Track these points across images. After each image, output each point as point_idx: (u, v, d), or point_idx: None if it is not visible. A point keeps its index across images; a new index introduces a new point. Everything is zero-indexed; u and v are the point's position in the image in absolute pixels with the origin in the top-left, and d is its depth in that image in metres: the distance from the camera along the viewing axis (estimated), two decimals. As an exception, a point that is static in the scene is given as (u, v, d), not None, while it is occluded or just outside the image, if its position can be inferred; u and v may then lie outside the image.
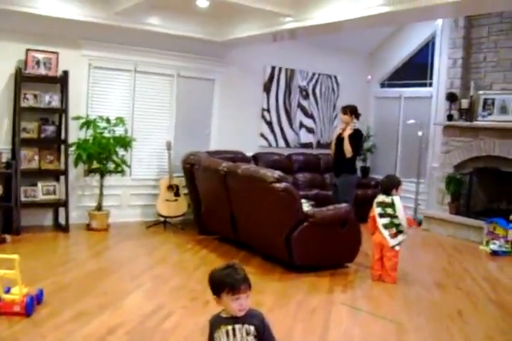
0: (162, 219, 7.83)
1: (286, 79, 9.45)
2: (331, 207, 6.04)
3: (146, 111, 8.12)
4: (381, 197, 5.91)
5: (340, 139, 7.33)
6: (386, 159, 10.23)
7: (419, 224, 9.13)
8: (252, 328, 2.74)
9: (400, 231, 5.79)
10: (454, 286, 5.81)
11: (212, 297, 2.75)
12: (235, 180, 6.27)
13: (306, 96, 9.75)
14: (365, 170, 10.06)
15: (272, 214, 5.81)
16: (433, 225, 8.84)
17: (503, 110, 8.16)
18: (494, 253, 7.47)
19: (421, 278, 6.06)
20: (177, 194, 7.81)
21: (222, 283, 2.71)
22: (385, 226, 5.79)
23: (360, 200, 8.38)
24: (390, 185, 5.93)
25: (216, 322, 2.76)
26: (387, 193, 5.88)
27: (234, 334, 2.71)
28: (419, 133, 9.25)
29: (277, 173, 5.76)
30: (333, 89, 10.11)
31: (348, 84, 10.23)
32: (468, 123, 8.52)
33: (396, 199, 5.83)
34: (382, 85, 10.60)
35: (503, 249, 7.50)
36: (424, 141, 9.41)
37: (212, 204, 7.08)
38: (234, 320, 2.71)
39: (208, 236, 7.37)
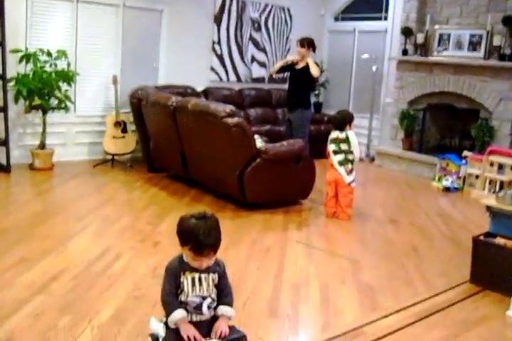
0: (109, 157, 7.51)
1: (238, 11, 9.04)
2: (284, 142, 5.86)
3: (90, 44, 7.62)
4: (335, 133, 5.74)
5: (295, 71, 7.13)
6: (339, 94, 10.04)
7: (372, 160, 9.08)
8: (216, 276, 2.60)
9: (352, 165, 5.66)
10: (408, 222, 5.78)
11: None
12: (185, 116, 6.00)
13: (258, 29, 9.38)
14: (318, 106, 9.87)
15: (223, 150, 5.59)
16: (386, 161, 8.79)
17: (459, 45, 8.01)
18: (446, 189, 7.48)
19: (375, 214, 6.01)
20: (124, 130, 7.48)
21: (186, 239, 2.48)
22: (340, 163, 5.66)
23: (313, 136, 8.23)
24: (343, 121, 5.75)
25: (180, 268, 2.55)
26: (341, 129, 5.70)
27: (200, 283, 2.55)
28: (373, 68, 9.06)
29: (229, 108, 5.51)
30: (286, 22, 9.75)
31: (301, 16, 9.87)
32: (423, 59, 8.36)
33: (351, 134, 5.68)
34: (336, 19, 10.28)
35: (455, 185, 7.51)
36: (378, 76, 9.23)
37: (161, 141, 6.81)
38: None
39: (157, 174, 7.13)
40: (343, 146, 5.65)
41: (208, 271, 2.55)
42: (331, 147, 5.70)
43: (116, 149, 7.43)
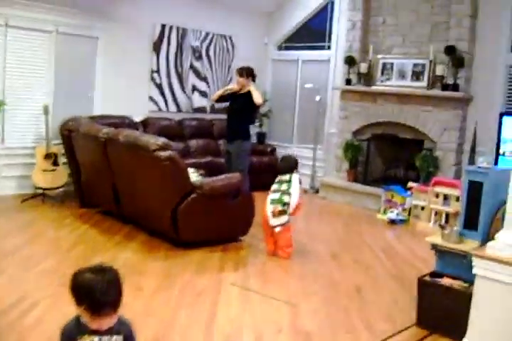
0: (40, 191, 7.06)
1: (178, 39, 8.78)
2: (221, 176, 5.55)
3: (20, 72, 7.20)
4: (279, 177, 5.56)
5: (234, 101, 6.94)
6: (283, 124, 9.83)
7: (317, 191, 8.85)
8: (120, 338, 2.22)
9: (284, 211, 5.36)
10: (351, 259, 5.51)
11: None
12: (116, 148, 5.65)
13: (199, 58, 9.13)
14: (262, 136, 9.63)
15: (156, 185, 5.25)
16: (330, 193, 8.57)
17: (402, 75, 7.91)
18: (392, 221, 7.28)
19: (317, 251, 5.72)
20: (55, 163, 7.05)
21: (81, 297, 2.12)
22: (272, 201, 5.39)
23: (255, 168, 8.01)
24: (288, 168, 5.56)
25: (77, 331, 2.17)
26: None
27: None
28: (317, 98, 8.89)
29: (161, 140, 5.19)
30: (228, 51, 9.54)
31: (243, 45, 9.68)
32: (366, 88, 8.23)
33: (294, 176, 5.47)
34: (280, 48, 10.13)
35: (401, 217, 7.32)
36: (322, 106, 9.07)
37: (92, 175, 6.42)
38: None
39: (89, 210, 6.70)
40: (283, 186, 5.42)
41: (110, 332, 2.18)
42: (273, 187, 5.50)
43: (47, 183, 6.98)
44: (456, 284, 3.82)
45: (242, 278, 4.70)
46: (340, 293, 4.51)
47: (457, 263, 3.85)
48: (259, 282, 4.65)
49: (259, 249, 5.60)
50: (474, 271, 3.30)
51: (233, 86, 7.06)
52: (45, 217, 6.37)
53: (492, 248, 3.29)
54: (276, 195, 5.38)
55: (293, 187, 5.38)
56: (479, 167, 3.84)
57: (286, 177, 5.45)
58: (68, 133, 6.61)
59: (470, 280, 3.75)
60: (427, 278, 3.92)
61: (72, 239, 5.52)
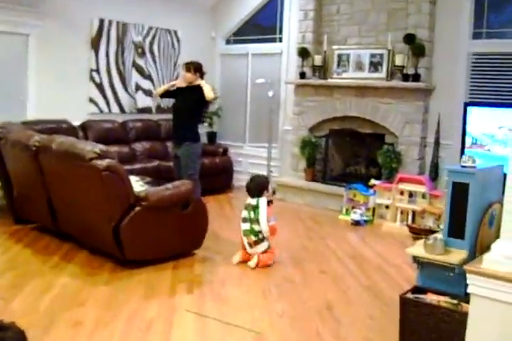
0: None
1: (118, 35, 8.12)
2: (168, 185, 4.96)
3: None
4: (248, 200, 5.17)
5: (181, 98, 6.39)
6: (234, 123, 9.27)
7: (274, 193, 8.32)
8: None
9: (260, 240, 5.06)
10: (318, 269, 5.01)
11: None
12: (49, 157, 5.01)
13: (143, 54, 8.49)
14: (212, 136, 9.05)
15: (94, 198, 4.63)
16: (288, 194, 8.07)
17: (359, 66, 7.45)
18: (356, 222, 6.83)
19: (280, 260, 5.19)
20: (-16, 175, 6.34)
21: None
22: (244, 233, 5.08)
23: (207, 170, 7.49)
24: (258, 189, 5.18)
25: None
26: (257, 196, 5.14)
27: None
28: (270, 94, 8.34)
29: (99, 147, 4.58)
30: (173, 46, 8.92)
31: (190, 40, 9.08)
32: (322, 81, 7.74)
33: (262, 201, 5.06)
34: (228, 41, 9.56)
35: (365, 218, 6.87)
36: (275, 101, 8.54)
37: (25, 188, 5.76)
38: None
39: (25, 226, 6.00)
40: (252, 214, 5.04)
41: None
42: (242, 213, 5.14)
43: (-25, 198, 6.27)
44: (444, 301, 3.33)
45: (197, 302, 4.12)
46: (309, 313, 3.98)
47: (443, 276, 3.37)
48: (217, 305, 4.08)
49: (215, 263, 5.05)
50: (470, 289, 2.80)
51: (179, 81, 6.52)
52: (-26, 236, 5.68)
53: (488, 261, 2.80)
54: (247, 226, 5.06)
55: (261, 213, 5.02)
56: (463, 166, 3.34)
57: (254, 201, 5.10)
58: (-3, 141, 5.91)
59: (458, 295, 3.28)
60: (410, 296, 3.42)
61: (1, 263, 4.84)
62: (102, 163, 4.45)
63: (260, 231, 5.02)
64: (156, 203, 4.70)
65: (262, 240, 5.06)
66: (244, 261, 5.04)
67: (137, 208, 4.63)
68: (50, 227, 5.58)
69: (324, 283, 4.65)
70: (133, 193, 4.63)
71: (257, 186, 5.17)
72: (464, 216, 3.30)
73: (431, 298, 3.38)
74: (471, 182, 3.26)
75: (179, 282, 4.52)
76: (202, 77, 6.36)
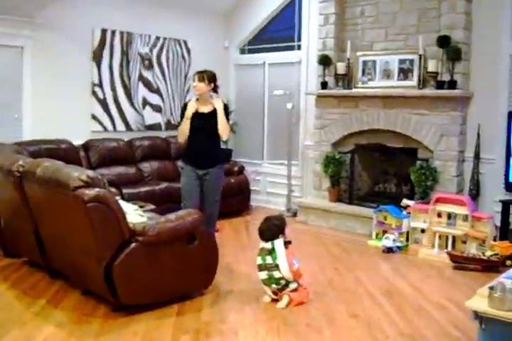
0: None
1: (123, 46, 7.49)
2: (171, 215, 4.24)
3: None
4: (262, 244, 4.48)
5: (201, 116, 5.31)
6: (251, 138, 8.57)
7: (295, 215, 7.60)
8: None
9: (285, 285, 4.35)
10: (347, 313, 4.24)
11: None
12: (34, 185, 4.33)
13: (150, 67, 7.85)
14: (228, 154, 8.34)
15: (82, 234, 3.93)
16: (311, 216, 7.32)
17: (387, 74, 6.73)
18: (388, 250, 6.04)
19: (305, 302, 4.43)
20: (-29, 203, 5.69)
21: None
22: (264, 283, 4.38)
23: (224, 192, 6.75)
24: (273, 232, 4.48)
25: None
26: (272, 239, 4.43)
27: None
28: (289, 106, 7.66)
29: (86, 174, 3.87)
30: (183, 57, 8.27)
31: (201, 50, 8.43)
32: (346, 92, 7.03)
33: (277, 243, 4.35)
34: (243, 51, 8.90)
35: (398, 244, 6.10)
36: (295, 114, 7.84)
37: (11, 218, 5.10)
38: None
39: (16, 260, 5.34)
40: (268, 260, 4.33)
41: None
42: (257, 260, 4.42)
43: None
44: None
45: (202, 362, 3.40)
46: (339, 377, 3.23)
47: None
48: (226, 366, 3.36)
49: (227, 305, 4.31)
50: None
51: (193, 103, 5.38)
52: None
53: None
54: (264, 274, 4.36)
55: (279, 256, 4.32)
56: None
57: (268, 245, 4.40)
58: (-19, 166, 5.26)
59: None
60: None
61: (-21, 309, 4.17)
62: (89, 192, 3.75)
63: (282, 278, 4.31)
64: (156, 238, 3.99)
65: (288, 285, 4.36)
66: (276, 300, 4.39)
67: (133, 244, 3.92)
68: (40, 263, 4.89)
69: (356, 331, 3.89)
70: (127, 227, 3.91)
71: (272, 229, 4.48)
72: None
73: (499, 366, 2.62)
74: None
75: (183, 333, 3.78)
76: (216, 90, 5.55)
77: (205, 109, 5.33)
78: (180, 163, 5.44)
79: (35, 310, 4.13)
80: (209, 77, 5.36)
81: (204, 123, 5.27)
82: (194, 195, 5.39)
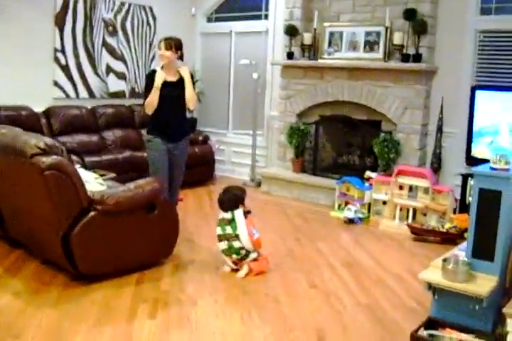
0: None
1: (86, 10, 7.30)
2: (131, 184, 4.20)
3: None
4: (221, 214, 4.50)
5: (168, 86, 5.01)
6: (216, 108, 8.50)
7: (259, 185, 7.60)
8: None
9: (245, 255, 4.38)
10: (307, 282, 4.29)
11: None
12: (-9, 152, 4.23)
13: (114, 33, 7.68)
14: (193, 123, 8.27)
15: (40, 202, 3.87)
16: (274, 187, 7.33)
17: (353, 46, 6.69)
18: (350, 221, 6.10)
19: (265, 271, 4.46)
20: None
21: None
22: (224, 252, 4.40)
23: (188, 161, 6.71)
24: (233, 202, 4.49)
25: None
26: (231, 210, 4.43)
27: None
28: (255, 76, 7.59)
29: (44, 141, 3.80)
30: (148, 24, 8.11)
31: (167, 17, 8.27)
32: (312, 62, 6.98)
33: (237, 213, 4.36)
34: (210, 19, 8.76)
35: (359, 215, 6.16)
36: (261, 84, 7.78)
37: (-32, 186, 4.99)
38: None
39: (-27, 228, 5.27)
40: (228, 230, 4.33)
41: None
42: (217, 231, 4.42)
43: None
44: (464, 338, 2.62)
45: (160, 331, 3.38)
46: (296, 345, 3.27)
47: (465, 309, 2.67)
48: (184, 335, 3.35)
49: (187, 275, 4.33)
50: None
51: (161, 73, 5.02)
52: None
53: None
54: (224, 245, 4.38)
55: (239, 226, 4.33)
56: (493, 168, 2.61)
57: (228, 215, 4.40)
58: None
59: (484, 332, 2.58)
60: (423, 334, 2.71)
61: None
62: (47, 160, 3.69)
63: (242, 248, 4.33)
64: (115, 207, 3.95)
65: (248, 255, 4.38)
66: (237, 270, 4.41)
67: (91, 213, 3.88)
68: (-1, 233, 4.83)
69: (315, 301, 3.94)
70: (86, 196, 3.87)
71: (232, 199, 4.48)
72: (494, 232, 2.61)
73: (449, 335, 2.68)
74: (505, 189, 2.54)
75: (141, 302, 3.78)
76: (182, 58, 5.40)
77: (172, 78, 5.08)
78: (146, 136, 5.14)
79: (-9, 279, 4.09)
80: (176, 45, 5.13)
81: (171, 93, 5.01)
82: (165, 169, 5.13)
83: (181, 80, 5.09)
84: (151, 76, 5.03)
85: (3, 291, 3.87)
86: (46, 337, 3.24)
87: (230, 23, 8.36)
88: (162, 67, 5.08)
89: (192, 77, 5.22)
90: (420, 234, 5.54)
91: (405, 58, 6.17)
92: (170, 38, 5.18)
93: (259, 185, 7.60)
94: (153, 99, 4.93)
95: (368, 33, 6.53)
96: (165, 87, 4.96)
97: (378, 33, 6.42)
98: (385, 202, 6.13)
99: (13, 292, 3.87)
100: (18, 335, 3.24)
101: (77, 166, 4.47)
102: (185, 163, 5.36)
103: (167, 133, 5.08)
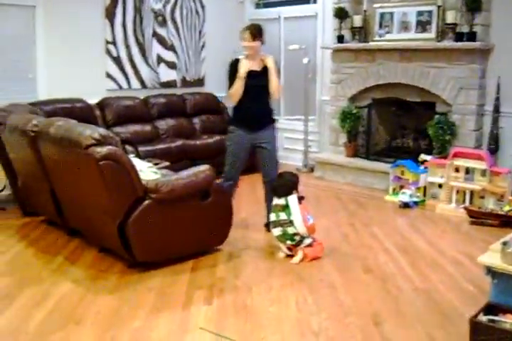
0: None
1: (135, 2, 7.37)
2: (184, 173, 4.24)
3: None
4: (275, 200, 4.49)
5: (252, 76, 4.78)
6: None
7: (311, 170, 7.57)
8: None
9: (300, 241, 4.38)
10: (362, 267, 4.26)
11: None
12: (48, 144, 4.34)
13: (163, 23, 7.73)
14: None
15: (95, 192, 3.95)
16: (327, 172, 7.28)
17: (404, 26, 6.55)
18: (405, 205, 6.01)
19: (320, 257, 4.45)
20: (-11, 164, 5.73)
21: None
22: (278, 239, 4.40)
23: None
24: (286, 188, 4.47)
25: None
26: (285, 196, 4.42)
27: None
28: (305, 61, 7.53)
29: (98, 132, 3.87)
30: (197, 12, 8.13)
31: (215, 5, 8.26)
32: (362, 45, 6.87)
33: (291, 199, 4.34)
34: (258, 5, 8.72)
35: (415, 199, 6.06)
36: (311, 69, 7.72)
37: (28, 178, 5.13)
38: None
39: (34, 218, 5.41)
40: (282, 216, 4.32)
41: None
42: (271, 217, 4.44)
43: (-20, 189, 5.68)
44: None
45: (216, 317, 3.42)
46: (352, 331, 3.24)
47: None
48: (240, 321, 3.37)
49: (242, 261, 4.35)
50: None
51: (245, 63, 4.76)
52: (-23, 231, 5.10)
53: None
54: (278, 231, 4.37)
55: (294, 212, 4.32)
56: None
57: (282, 201, 4.39)
58: (-4, 126, 5.29)
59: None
60: (482, 319, 2.65)
61: (-5, 267, 4.24)
62: (101, 150, 3.75)
63: (296, 234, 4.32)
64: (169, 195, 4.00)
65: (302, 241, 4.38)
66: (291, 256, 4.42)
67: (146, 202, 3.94)
68: (57, 222, 4.95)
69: (370, 286, 3.90)
70: (140, 184, 3.92)
71: (285, 185, 4.47)
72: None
73: (511, 320, 2.61)
74: None
75: (197, 288, 3.83)
76: (263, 43, 4.99)
77: (256, 67, 4.83)
78: (229, 126, 4.99)
79: (52, 267, 4.21)
80: (260, 33, 4.86)
81: (256, 83, 4.79)
82: (242, 162, 4.99)
83: (265, 69, 4.85)
84: (234, 65, 4.82)
85: (64, 279, 3.98)
86: (105, 322, 3.32)
87: (278, 9, 8.31)
88: (246, 56, 4.84)
89: (276, 65, 4.95)
90: (478, 218, 5.41)
91: (459, 37, 6.00)
92: (252, 26, 4.92)
93: (312, 170, 7.57)
94: (237, 89, 4.75)
95: (419, 13, 6.37)
96: (249, 77, 4.74)
97: (430, 12, 6.26)
98: (440, 185, 6.01)
99: (73, 279, 3.98)
100: (78, 321, 3.33)
101: (131, 156, 4.54)
102: (276, 157, 5.10)
103: (250, 124, 4.88)
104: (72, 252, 4.53)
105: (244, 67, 4.72)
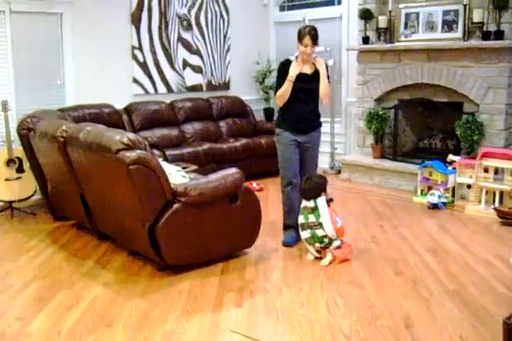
0: (5, 204, 5.83)
1: (161, 7, 7.44)
2: (214, 175, 4.26)
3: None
4: (304, 202, 4.47)
5: (302, 79, 4.70)
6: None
7: (338, 172, 7.56)
8: None
9: (329, 243, 4.38)
10: (392, 269, 4.23)
11: None
12: (77, 149, 4.39)
13: (189, 27, 7.78)
14: (269, 113, 8.29)
15: (124, 196, 3.99)
16: (354, 173, 7.26)
17: (430, 26, 6.51)
18: (433, 206, 5.97)
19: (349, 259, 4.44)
20: (20, 170, 5.80)
21: None
22: (307, 241, 4.40)
23: (264, 150, 7.00)
24: (315, 191, 4.45)
25: None
26: (314, 198, 4.42)
27: None
28: (330, 62, 7.50)
29: (128, 137, 3.91)
30: (222, 16, 8.16)
31: (240, 8, 8.30)
32: (388, 46, 6.85)
33: (320, 201, 4.34)
34: (282, 8, 8.73)
35: (443, 200, 6.01)
36: (337, 71, 7.71)
37: (58, 182, 5.20)
38: None
39: (64, 223, 5.50)
40: (311, 219, 4.31)
41: None
42: (299, 219, 4.42)
43: (12, 194, 5.74)
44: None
45: (247, 319, 3.43)
46: (383, 333, 3.22)
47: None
48: (271, 323, 3.38)
49: (271, 264, 4.36)
50: None
51: (296, 65, 4.68)
52: (7, 237, 5.17)
53: None
54: (307, 233, 4.37)
55: (322, 214, 4.31)
56: None
57: (311, 203, 4.38)
58: (27, 131, 5.37)
59: None
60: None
61: (29, 271, 4.28)
62: (131, 155, 3.79)
63: (325, 236, 4.32)
64: (198, 198, 4.02)
65: (331, 243, 4.38)
66: (320, 258, 4.43)
67: (175, 205, 3.96)
68: (87, 226, 5.01)
69: (401, 288, 3.88)
70: (170, 188, 3.95)
71: (314, 187, 4.45)
72: None
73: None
74: None
75: (227, 291, 3.85)
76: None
77: (307, 70, 4.76)
78: (276, 129, 4.95)
79: (83, 271, 4.26)
80: (317, 35, 4.72)
81: (305, 86, 4.73)
82: (295, 163, 4.87)
83: (316, 73, 4.79)
84: (282, 67, 4.77)
85: (95, 282, 4.03)
86: (137, 325, 3.34)
87: (302, 11, 8.30)
88: (296, 57, 4.77)
89: (327, 70, 4.87)
90: (508, 218, 5.36)
91: (486, 36, 5.95)
92: (313, 30, 4.71)
93: (339, 172, 7.56)
94: (285, 91, 4.69)
95: (445, 12, 6.33)
96: (299, 80, 4.68)
97: (456, 12, 6.22)
98: (469, 186, 5.96)
99: (104, 283, 4.02)
100: (110, 324, 3.36)
101: (160, 159, 4.57)
102: (317, 157, 5.08)
103: (297, 127, 4.82)
104: (102, 256, 4.58)
105: (293, 70, 4.66)
